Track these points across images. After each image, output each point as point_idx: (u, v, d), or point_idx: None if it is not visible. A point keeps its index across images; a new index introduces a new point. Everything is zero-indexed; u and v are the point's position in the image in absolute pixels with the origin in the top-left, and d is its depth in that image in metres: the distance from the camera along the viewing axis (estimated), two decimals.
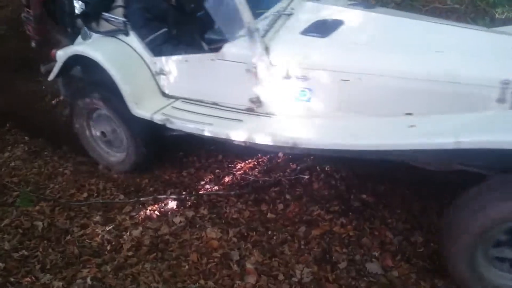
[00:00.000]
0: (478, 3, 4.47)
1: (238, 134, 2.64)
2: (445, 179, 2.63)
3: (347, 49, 2.51)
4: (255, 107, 2.77)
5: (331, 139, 2.36)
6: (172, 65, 3.03)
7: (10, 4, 5.35)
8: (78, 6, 3.40)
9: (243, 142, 2.66)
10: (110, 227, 2.80)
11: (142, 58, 3.11)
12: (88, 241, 2.71)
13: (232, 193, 3.11)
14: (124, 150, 3.40)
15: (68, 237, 2.75)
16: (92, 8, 3.28)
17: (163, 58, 3.04)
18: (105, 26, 3.27)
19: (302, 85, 2.57)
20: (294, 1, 2.95)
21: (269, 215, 2.89)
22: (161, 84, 3.14)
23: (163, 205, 3.04)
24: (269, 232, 2.73)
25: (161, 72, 3.09)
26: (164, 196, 3.14)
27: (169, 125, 2.90)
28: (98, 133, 3.49)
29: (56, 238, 2.74)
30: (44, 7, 3.53)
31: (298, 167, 3.27)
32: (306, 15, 2.83)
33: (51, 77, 3.46)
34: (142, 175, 3.44)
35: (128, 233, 2.75)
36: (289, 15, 2.83)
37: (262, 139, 2.54)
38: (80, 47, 3.22)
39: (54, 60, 3.39)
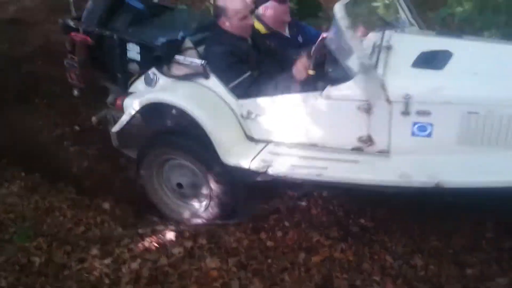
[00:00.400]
0: None
1: (361, 177, 2.53)
2: (443, 202, 2.65)
3: (470, 80, 2.45)
4: (365, 146, 2.65)
5: (476, 177, 2.32)
6: (263, 107, 2.83)
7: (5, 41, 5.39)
8: (131, 50, 3.24)
9: (365, 184, 2.53)
10: (108, 261, 2.77)
11: (225, 102, 2.90)
12: (86, 275, 2.67)
13: (231, 222, 3.09)
14: (204, 201, 3.17)
15: (66, 272, 2.71)
16: (165, 51, 3.03)
17: (252, 100, 2.84)
18: (176, 69, 3.05)
19: (422, 120, 2.47)
20: (386, 33, 2.89)
21: (268, 243, 2.86)
22: (248, 128, 2.93)
23: (161, 236, 3.00)
24: (269, 260, 2.70)
25: (249, 115, 2.87)
26: (163, 227, 3.12)
27: (271, 172, 2.66)
28: (172, 185, 3.24)
29: (54, 274, 2.70)
30: (89, 53, 3.36)
31: (296, 194, 3.26)
32: (406, 48, 2.79)
33: (116, 128, 3.16)
34: (139, 206, 3.42)
35: (126, 266, 2.71)
36: (388, 48, 2.75)
37: (392, 179, 2.44)
38: (161, 94, 2.96)
39: (120, 110, 3.16)
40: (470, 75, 2.49)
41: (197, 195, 3.19)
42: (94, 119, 3.52)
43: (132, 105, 3.02)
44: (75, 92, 3.57)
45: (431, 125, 2.48)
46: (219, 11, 2.98)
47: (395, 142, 2.58)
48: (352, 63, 2.54)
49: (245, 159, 2.77)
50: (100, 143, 4.08)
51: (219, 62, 2.89)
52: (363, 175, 2.54)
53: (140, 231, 3.07)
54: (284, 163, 2.70)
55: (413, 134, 2.52)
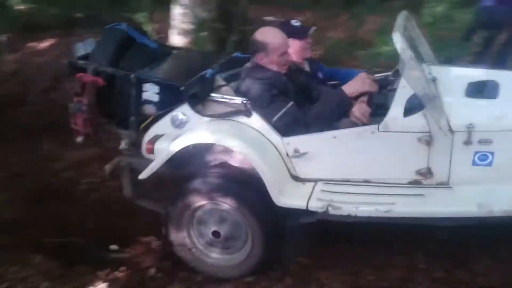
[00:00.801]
0: None
1: (437, 209, 2.45)
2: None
3: None
4: (423, 179, 2.57)
5: None
6: (313, 144, 2.67)
7: None
8: (149, 91, 2.93)
9: (440, 217, 2.45)
10: None
11: (269, 140, 2.72)
12: None
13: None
14: (245, 250, 2.80)
15: None
16: (201, 89, 2.80)
17: (299, 138, 2.68)
18: (213, 108, 2.83)
19: (483, 149, 2.46)
20: (423, 66, 2.83)
21: None
22: (292, 167, 2.75)
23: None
24: None
25: (296, 153, 2.69)
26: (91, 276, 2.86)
27: (332, 212, 2.48)
28: (208, 235, 2.83)
29: None
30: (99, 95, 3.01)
31: None
32: (451, 79, 2.88)
33: (145, 174, 2.79)
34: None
35: None
36: (434, 80, 2.78)
37: (471, 210, 2.37)
38: (203, 135, 2.68)
39: (150, 155, 2.85)
40: None
41: (234, 245, 2.84)
42: (107, 167, 3.16)
43: (167, 149, 2.73)
44: (79, 139, 3.17)
45: (492, 153, 2.47)
46: (258, 47, 2.84)
47: (455, 172, 2.55)
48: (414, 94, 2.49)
49: (300, 199, 2.59)
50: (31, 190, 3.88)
51: (260, 98, 2.74)
52: (437, 207, 2.47)
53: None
54: (345, 201, 2.54)
55: (474, 163, 2.50)
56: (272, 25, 3.08)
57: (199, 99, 2.82)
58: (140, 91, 2.96)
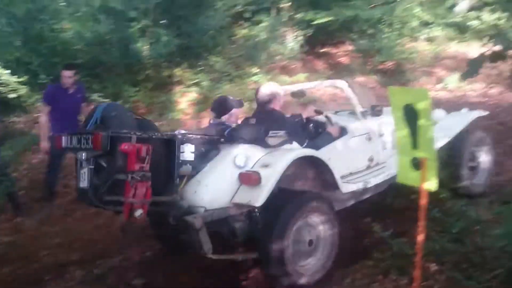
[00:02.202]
0: None
1: (384, 178, 4.20)
2: None
3: None
4: (371, 164, 4.30)
5: None
6: (332, 151, 3.95)
7: None
8: (186, 151, 3.20)
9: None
10: None
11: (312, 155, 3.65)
12: None
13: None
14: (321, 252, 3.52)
15: None
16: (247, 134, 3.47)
17: (328, 148, 3.94)
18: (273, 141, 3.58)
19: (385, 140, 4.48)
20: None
21: None
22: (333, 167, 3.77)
23: None
24: None
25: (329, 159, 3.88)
26: None
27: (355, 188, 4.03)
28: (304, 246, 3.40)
29: None
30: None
31: None
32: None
33: (260, 201, 3.10)
34: None
35: None
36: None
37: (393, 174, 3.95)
38: (297, 153, 3.47)
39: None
40: None
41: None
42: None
43: (274, 172, 3.21)
44: (139, 213, 2.88)
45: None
46: (272, 97, 3.87)
47: (383, 156, 4.45)
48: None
49: (346, 186, 3.84)
50: None
51: (297, 130, 3.87)
52: (385, 176, 4.19)
53: None
54: (356, 182, 3.98)
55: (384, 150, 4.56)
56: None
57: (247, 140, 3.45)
58: (178, 152, 3.18)
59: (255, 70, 9.36)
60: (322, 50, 11.25)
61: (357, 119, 4.24)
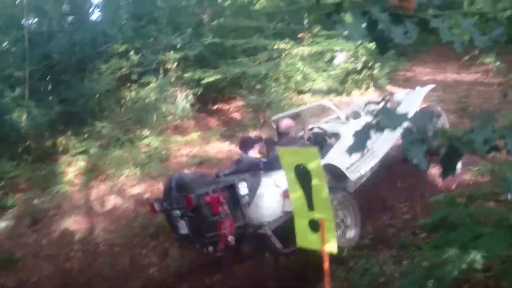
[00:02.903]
0: None
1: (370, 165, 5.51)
2: None
3: None
4: None
5: None
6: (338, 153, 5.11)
7: None
8: (241, 188, 4.51)
9: None
10: None
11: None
12: None
13: None
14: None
15: None
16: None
17: (341, 155, 4.97)
18: None
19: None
20: None
21: None
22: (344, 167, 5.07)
23: None
24: None
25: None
26: None
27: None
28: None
29: None
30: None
31: None
32: None
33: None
34: None
35: None
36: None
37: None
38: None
39: None
40: None
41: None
42: None
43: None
44: (231, 238, 4.23)
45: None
46: (290, 127, 5.41)
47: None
48: None
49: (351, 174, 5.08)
50: None
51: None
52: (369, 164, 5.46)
53: None
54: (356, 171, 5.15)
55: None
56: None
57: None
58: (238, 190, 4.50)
59: (146, 132, 9.05)
60: (214, 107, 11.30)
61: (344, 123, 5.48)
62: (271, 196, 4.51)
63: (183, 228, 4.51)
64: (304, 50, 10.16)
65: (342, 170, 4.82)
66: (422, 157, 1.22)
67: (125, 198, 7.46)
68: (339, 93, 10.94)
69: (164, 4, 10.86)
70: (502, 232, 2.31)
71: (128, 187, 7.82)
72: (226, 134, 9.60)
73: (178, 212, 4.45)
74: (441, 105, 7.72)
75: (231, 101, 11.67)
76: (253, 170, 4.69)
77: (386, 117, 1.23)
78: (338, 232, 4.30)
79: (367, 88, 11.19)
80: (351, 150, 1.40)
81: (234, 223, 4.28)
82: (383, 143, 5.26)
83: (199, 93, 10.53)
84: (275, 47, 10.23)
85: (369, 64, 10.99)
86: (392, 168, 6.26)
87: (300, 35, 10.78)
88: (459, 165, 4.39)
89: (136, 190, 7.69)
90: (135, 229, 6.49)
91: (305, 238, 2.78)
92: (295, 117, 6.16)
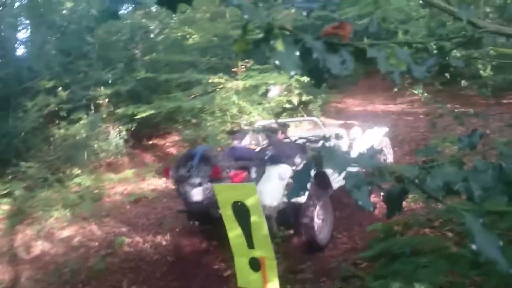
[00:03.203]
0: None
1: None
2: None
3: None
4: None
5: None
6: None
7: None
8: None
9: None
10: None
11: None
12: None
13: None
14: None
15: None
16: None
17: None
18: None
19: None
20: None
21: None
22: None
23: None
24: None
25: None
26: None
27: None
28: None
29: None
30: None
31: None
32: None
33: (304, 200, 5.02)
34: None
35: None
36: None
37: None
38: None
39: None
40: None
41: None
42: None
43: None
44: None
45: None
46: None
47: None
48: None
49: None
50: None
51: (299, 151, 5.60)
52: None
53: None
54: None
55: None
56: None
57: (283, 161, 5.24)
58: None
59: (76, 171, 8.61)
60: (149, 143, 11.02)
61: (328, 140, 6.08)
62: (273, 186, 5.02)
63: (198, 195, 4.97)
64: (239, 83, 10.22)
65: (329, 177, 5.54)
66: (367, 199, 1.15)
67: (54, 243, 6.97)
68: None
69: (94, 39, 10.59)
70: (441, 261, 2.31)
71: (57, 231, 7.32)
72: (163, 170, 9.31)
73: (197, 180, 4.94)
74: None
75: (166, 136, 11.44)
76: (258, 160, 5.33)
77: (329, 159, 1.15)
78: (317, 230, 5.18)
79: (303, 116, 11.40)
80: (291, 195, 1.32)
81: None
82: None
83: (133, 128, 10.24)
84: (210, 81, 10.22)
85: (303, 97, 11.24)
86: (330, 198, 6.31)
87: (234, 69, 10.86)
88: None
89: (66, 233, 7.22)
90: (65, 276, 6.02)
91: (246, 278, 2.65)
92: (283, 126, 6.81)
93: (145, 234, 6.70)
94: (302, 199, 4.84)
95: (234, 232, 2.66)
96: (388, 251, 2.98)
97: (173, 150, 10.65)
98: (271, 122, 6.93)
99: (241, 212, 2.60)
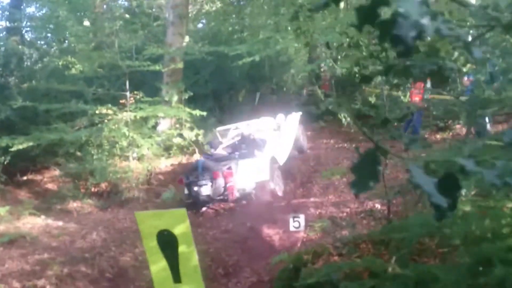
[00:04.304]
0: None
1: None
2: None
3: None
4: None
5: None
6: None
7: None
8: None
9: None
10: None
11: None
12: None
13: None
14: None
15: None
16: None
17: None
18: None
19: None
20: None
21: None
22: None
23: None
24: None
25: None
26: None
27: None
28: None
29: None
30: None
31: None
32: None
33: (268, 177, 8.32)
34: None
35: None
36: None
37: None
38: None
39: None
40: None
41: None
42: None
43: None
44: (235, 193, 8.06)
45: None
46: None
47: None
48: None
49: None
50: None
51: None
52: None
53: None
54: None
55: None
56: None
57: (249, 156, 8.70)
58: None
59: None
60: (24, 178, 10.00)
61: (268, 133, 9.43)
62: (246, 174, 8.05)
63: (207, 191, 7.90)
64: (129, 115, 9.83)
65: (276, 158, 8.65)
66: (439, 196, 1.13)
67: None
68: (166, 157, 10.79)
69: None
70: (388, 283, 2.32)
71: None
72: (42, 207, 8.51)
73: (204, 182, 7.91)
74: None
75: (43, 171, 10.51)
76: (232, 159, 8.43)
77: None
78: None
79: (193, 154, 11.27)
80: (358, 188, 1.25)
81: (234, 186, 7.88)
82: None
83: (6, 162, 9.24)
84: (97, 112, 9.68)
85: (193, 130, 11.16)
86: (230, 231, 6.23)
87: (122, 100, 10.44)
88: (302, 223, 4.53)
89: None
90: None
91: None
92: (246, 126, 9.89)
93: (24, 279, 5.94)
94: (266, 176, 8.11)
95: (157, 265, 2.44)
96: (324, 279, 2.94)
97: (53, 186, 9.78)
98: (230, 126, 10.59)
99: (168, 242, 2.40)
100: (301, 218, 4.36)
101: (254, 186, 7.93)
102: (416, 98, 9.27)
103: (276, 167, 8.47)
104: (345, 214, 6.13)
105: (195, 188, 7.82)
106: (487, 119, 8.91)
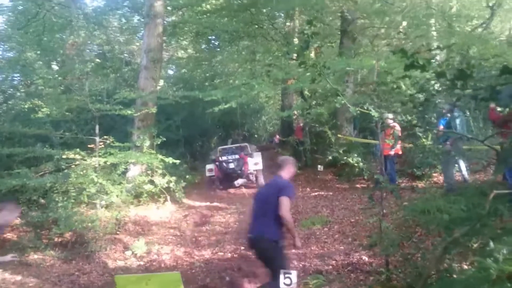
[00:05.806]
0: None
1: None
2: None
3: None
4: None
5: None
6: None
7: None
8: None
9: None
10: None
11: None
12: None
13: None
14: None
15: None
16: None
17: None
18: None
19: None
20: None
21: None
22: None
23: None
24: None
25: None
26: None
27: None
28: None
29: None
30: None
31: None
32: None
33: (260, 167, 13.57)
34: None
35: None
36: None
37: None
38: None
39: None
40: None
41: None
42: None
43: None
44: (249, 171, 13.64)
45: None
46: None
47: None
48: None
49: None
50: None
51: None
52: None
53: None
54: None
55: None
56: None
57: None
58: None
59: None
60: None
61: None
62: (252, 164, 13.04)
63: (232, 166, 13.05)
64: (98, 160, 9.37)
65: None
66: None
67: None
68: (136, 205, 10.29)
69: None
70: None
71: None
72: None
73: (231, 160, 13.07)
74: None
75: None
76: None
77: None
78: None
79: (165, 201, 10.80)
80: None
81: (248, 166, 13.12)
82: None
83: None
84: (64, 156, 9.18)
85: (165, 177, 10.75)
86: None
87: (91, 145, 10.00)
88: (294, 279, 4.14)
89: None
90: None
91: None
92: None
93: None
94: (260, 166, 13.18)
95: None
96: None
97: (11, 236, 9.06)
98: (228, 146, 15.05)
99: None
100: (293, 274, 3.97)
101: (253, 171, 13.22)
102: (391, 152, 9.20)
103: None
104: (331, 267, 5.79)
105: (225, 164, 13.02)
106: (463, 167, 8.92)
